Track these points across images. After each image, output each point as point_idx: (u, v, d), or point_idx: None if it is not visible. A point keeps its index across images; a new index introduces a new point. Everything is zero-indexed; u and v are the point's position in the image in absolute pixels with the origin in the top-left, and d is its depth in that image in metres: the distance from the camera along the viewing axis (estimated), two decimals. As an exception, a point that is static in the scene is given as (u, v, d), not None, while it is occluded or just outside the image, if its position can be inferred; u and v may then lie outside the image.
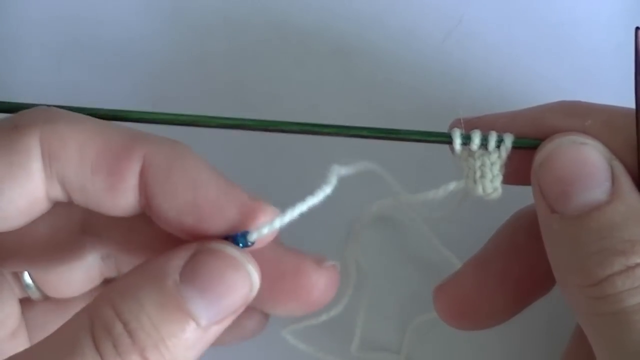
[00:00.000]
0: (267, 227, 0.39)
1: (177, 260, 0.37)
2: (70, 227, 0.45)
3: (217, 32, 0.57)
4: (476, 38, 0.55)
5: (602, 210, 0.38)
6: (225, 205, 0.39)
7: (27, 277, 0.45)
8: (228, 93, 0.57)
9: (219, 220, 0.39)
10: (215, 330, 0.37)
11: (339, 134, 0.41)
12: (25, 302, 0.46)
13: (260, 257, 0.39)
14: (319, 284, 0.43)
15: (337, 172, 0.40)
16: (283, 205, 0.40)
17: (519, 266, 0.45)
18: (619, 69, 0.52)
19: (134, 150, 0.39)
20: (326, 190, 0.40)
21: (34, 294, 0.46)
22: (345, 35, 0.57)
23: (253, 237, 0.38)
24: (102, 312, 0.36)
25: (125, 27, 0.57)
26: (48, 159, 0.38)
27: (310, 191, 0.47)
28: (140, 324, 0.35)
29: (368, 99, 0.56)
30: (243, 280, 0.37)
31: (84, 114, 0.39)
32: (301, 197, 0.49)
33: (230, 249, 0.38)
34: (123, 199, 0.39)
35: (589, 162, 0.39)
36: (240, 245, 0.38)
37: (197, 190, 0.38)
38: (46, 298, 0.46)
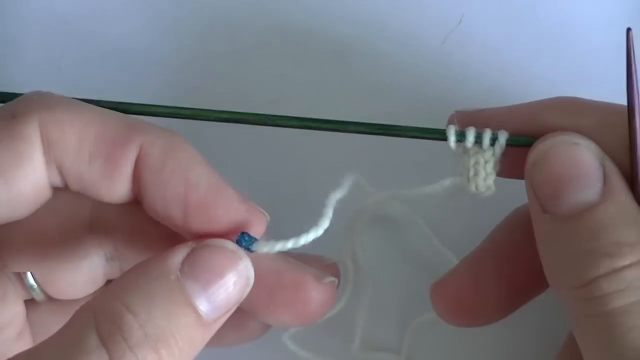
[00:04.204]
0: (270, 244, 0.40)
1: (177, 256, 0.37)
2: (76, 224, 0.45)
3: (218, 32, 0.57)
4: (476, 39, 0.55)
5: (593, 211, 0.38)
6: (212, 204, 0.40)
7: (30, 278, 0.45)
8: (228, 94, 0.57)
9: (206, 217, 0.40)
10: (214, 328, 0.38)
11: (338, 129, 0.41)
12: (29, 304, 0.46)
13: (260, 267, 0.40)
14: (317, 299, 0.44)
15: (333, 200, 0.41)
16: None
17: (515, 264, 0.45)
18: (618, 70, 0.51)
19: (132, 139, 0.39)
20: (324, 225, 0.42)
21: (38, 296, 0.46)
22: (345, 36, 0.57)
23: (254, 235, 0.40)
24: (109, 306, 0.35)
25: (126, 27, 0.57)
26: (47, 145, 0.39)
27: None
28: (152, 316, 0.35)
29: (368, 100, 0.56)
30: (240, 275, 0.38)
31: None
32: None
33: (229, 244, 0.39)
34: (118, 186, 0.40)
35: (581, 162, 0.39)
36: (243, 244, 0.39)
37: (187, 186, 0.39)
38: (50, 299, 0.46)
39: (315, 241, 0.53)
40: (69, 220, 0.45)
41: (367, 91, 0.56)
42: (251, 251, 0.39)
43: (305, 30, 0.57)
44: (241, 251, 0.38)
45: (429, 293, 0.47)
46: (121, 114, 0.41)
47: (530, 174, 0.40)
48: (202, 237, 0.39)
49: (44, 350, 0.35)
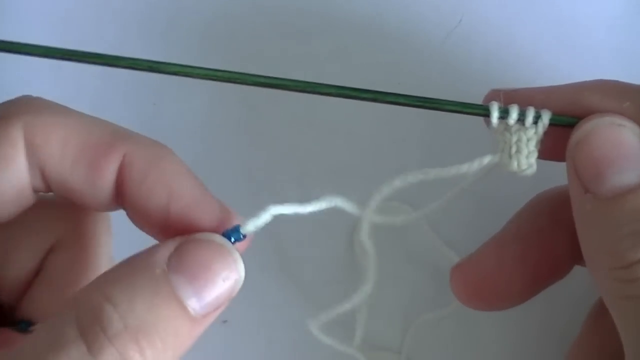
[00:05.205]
0: (255, 222, 0.38)
1: (164, 250, 0.36)
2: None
3: (217, 31, 0.57)
4: (476, 38, 0.56)
5: (637, 193, 0.37)
6: (195, 214, 0.39)
7: None
8: (228, 93, 0.56)
9: (187, 228, 0.39)
10: (203, 324, 0.37)
11: (376, 99, 0.40)
12: None
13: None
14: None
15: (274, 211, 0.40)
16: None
17: (539, 249, 0.45)
18: (619, 69, 0.53)
19: (115, 147, 0.39)
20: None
21: None
22: (345, 35, 0.56)
23: (246, 229, 0.38)
24: (90, 298, 0.35)
25: (125, 27, 0.57)
26: (31, 149, 0.39)
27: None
28: (133, 307, 0.34)
29: (362, 109, 0.55)
30: (230, 270, 0.37)
31: (123, 64, 0.38)
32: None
33: (217, 238, 0.37)
34: (100, 194, 0.40)
35: (625, 144, 0.38)
36: (232, 240, 0.38)
37: (170, 197, 0.39)
38: None
39: (317, 241, 0.54)
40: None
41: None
42: (243, 237, 0.38)
43: (305, 30, 0.57)
44: (229, 244, 0.37)
45: (449, 275, 0.46)
46: (108, 122, 0.40)
47: (573, 153, 0.39)
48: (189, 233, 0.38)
49: (25, 345, 0.35)
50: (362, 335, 0.52)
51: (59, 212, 0.44)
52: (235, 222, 0.39)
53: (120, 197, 0.40)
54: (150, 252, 0.37)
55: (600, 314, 0.45)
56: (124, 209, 0.40)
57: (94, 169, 0.39)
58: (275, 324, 0.54)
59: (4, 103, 0.40)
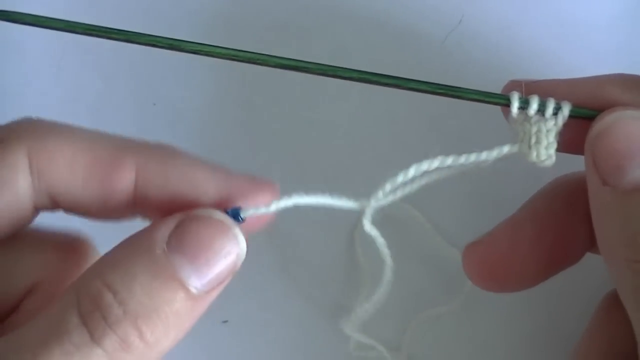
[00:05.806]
0: (259, 208, 0.39)
1: (164, 229, 0.36)
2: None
3: (217, 32, 0.56)
4: (476, 38, 0.56)
5: None
6: (228, 195, 0.39)
7: None
8: (227, 92, 0.56)
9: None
10: (205, 301, 0.37)
11: (398, 85, 0.40)
12: None
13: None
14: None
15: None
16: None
17: (554, 232, 0.44)
18: (619, 69, 0.53)
19: (125, 160, 0.39)
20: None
21: None
22: (345, 35, 0.56)
23: (246, 213, 0.38)
24: (90, 285, 0.35)
25: (125, 28, 0.55)
26: (37, 174, 0.39)
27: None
28: (132, 293, 0.35)
29: (367, 100, 0.55)
30: (231, 246, 0.37)
31: (143, 40, 0.38)
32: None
33: (217, 214, 0.37)
34: (115, 207, 0.40)
35: None
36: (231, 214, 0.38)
37: (197, 189, 0.39)
38: None
39: (317, 241, 0.54)
40: None
41: (366, 90, 0.55)
42: (242, 219, 0.38)
43: (305, 30, 0.56)
44: (229, 220, 0.37)
45: (462, 255, 0.46)
46: (113, 135, 0.40)
47: (593, 145, 0.39)
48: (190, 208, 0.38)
49: (26, 331, 0.35)
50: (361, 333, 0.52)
51: (44, 252, 0.43)
52: (264, 188, 0.39)
53: (140, 205, 0.39)
54: (149, 231, 0.36)
55: (610, 308, 0.45)
56: (143, 215, 0.40)
57: (106, 185, 0.39)
58: (275, 324, 0.53)
59: (5, 126, 0.39)
